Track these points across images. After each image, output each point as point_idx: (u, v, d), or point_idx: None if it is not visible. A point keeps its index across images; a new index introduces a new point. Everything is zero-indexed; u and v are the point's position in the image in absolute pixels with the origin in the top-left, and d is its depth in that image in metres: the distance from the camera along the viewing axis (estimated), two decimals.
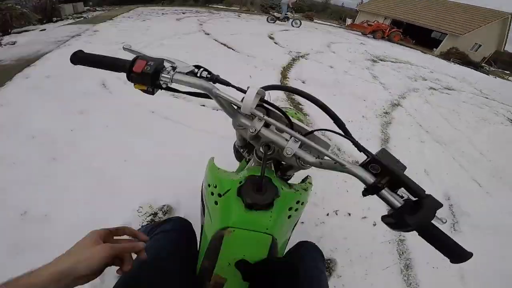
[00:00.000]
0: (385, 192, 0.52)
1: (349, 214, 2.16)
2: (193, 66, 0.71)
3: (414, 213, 0.46)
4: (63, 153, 2.21)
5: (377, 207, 2.26)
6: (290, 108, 1.34)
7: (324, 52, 7.34)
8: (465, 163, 3.54)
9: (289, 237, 0.79)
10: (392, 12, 23.23)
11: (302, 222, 1.98)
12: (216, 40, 6.57)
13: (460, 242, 1.72)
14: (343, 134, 0.68)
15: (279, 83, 4.34)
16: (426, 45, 20.50)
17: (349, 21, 22.64)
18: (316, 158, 0.64)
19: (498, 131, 5.21)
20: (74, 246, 0.51)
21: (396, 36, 16.66)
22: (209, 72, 0.72)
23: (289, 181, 0.90)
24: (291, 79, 4.65)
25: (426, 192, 0.49)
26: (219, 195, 0.67)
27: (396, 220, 0.48)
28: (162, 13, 10.77)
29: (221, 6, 19.77)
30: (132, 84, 0.64)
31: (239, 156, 1.38)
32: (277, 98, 3.75)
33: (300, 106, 3.69)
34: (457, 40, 18.94)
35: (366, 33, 15.93)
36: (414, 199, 0.50)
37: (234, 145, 1.23)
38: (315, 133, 0.73)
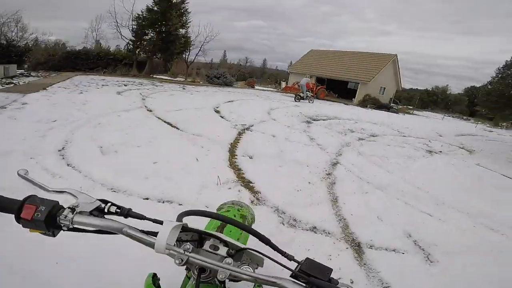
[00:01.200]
0: None
1: None
2: (99, 200, 0.59)
3: None
4: None
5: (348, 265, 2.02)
6: (232, 206, 1.23)
7: (266, 121, 7.46)
8: (409, 200, 3.67)
9: None
10: (314, 70, 24.99)
11: None
12: (159, 118, 6.03)
13: (441, 272, 2.13)
14: (268, 256, 0.62)
15: (227, 162, 4.17)
16: (346, 97, 22.69)
17: (283, 84, 24.54)
18: (250, 276, 0.57)
19: (423, 164, 5.64)
20: None
21: (322, 93, 18.38)
22: (118, 207, 0.60)
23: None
24: (239, 156, 4.49)
25: None
26: None
27: None
28: (102, 85, 9.83)
29: (166, 77, 19.30)
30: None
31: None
32: (227, 180, 3.51)
33: (251, 184, 3.51)
34: (367, 87, 21.02)
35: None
36: None
37: None
38: (248, 249, 0.65)
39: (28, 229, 0.52)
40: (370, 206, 3.35)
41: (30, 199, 0.53)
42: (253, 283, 0.77)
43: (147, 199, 2.81)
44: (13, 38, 16.46)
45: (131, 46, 18.48)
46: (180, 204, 2.76)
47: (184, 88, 12.52)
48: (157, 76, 18.87)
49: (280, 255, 0.61)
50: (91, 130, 4.66)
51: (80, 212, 0.55)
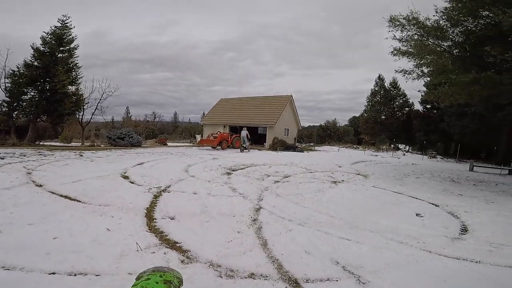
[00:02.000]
0: None
1: None
2: None
3: None
4: None
5: None
6: (153, 272, 1.16)
7: (184, 179, 7.23)
8: (327, 229, 4.10)
9: None
10: (227, 119, 25.82)
11: None
12: (53, 193, 5.13)
13: None
14: None
15: (145, 227, 3.83)
16: (259, 142, 24.49)
17: (198, 137, 24.56)
18: None
19: (331, 194, 6.49)
20: None
21: (237, 142, 19.15)
22: None
23: None
24: (158, 219, 4.19)
25: None
26: None
27: None
28: None
29: (57, 144, 16.48)
30: None
31: None
32: (148, 245, 3.24)
33: (178, 244, 3.35)
34: (274, 130, 22.94)
35: (215, 146, 17.50)
36: None
37: None
38: None
39: None
40: (296, 242, 3.61)
41: None
42: None
43: (53, 273, 2.47)
44: None
45: (6, 109, 15.22)
46: (97, 275, 2.50)
47: (81, 155, 10.86)
48: (45, 143, 16.03)
49: None
50: None
51: None
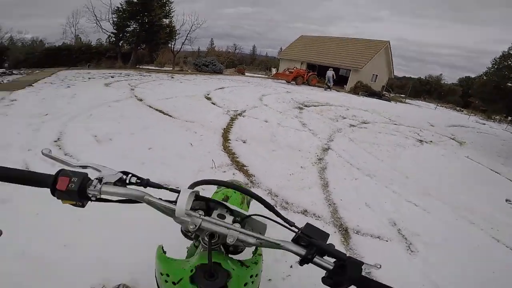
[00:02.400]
0: (317, 260, 0.56)
1: None
2: (121, 172, 0.65)
3: (344, 273, 0.52)
4: None
5: None
6: (231, 183, 1.31)
7: (258, 107, 7.51)
8: (397, 189, 3.79)
9: None
10: (305, 56, 24.95)
11: (270, 279, 1.87)
12: (150, 107, 6.03)
13: (420, 262, 2.23)
14: (272, 219, 0.69)
15: (221, 147, 4.21)
16: (337, 83, 22.76)
17: (274, 70, 24.32)
18: (256, 240, 0.63)
19: (413, 152, 5.80)
20: None
21: (313, 80, 18.38)
22: (138, 178, 0.67)
23: (241, 256, 0.89)
24: (232, 140, 4.55)
25: (347, 255, 0.56)
26: (174, 283, 0.65)
27: (332, 280, 0.54)
28: (89, 77, 9.63)
29: (153, 67, 18.94)
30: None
31: (187, 237, 1.29)
32: (221, 164, 3.58)
33: (245, 168, 3.59)
34: (359, 74, 21.03)
35: (289, 80, 17.19)
36: (340, 262, 0.55)
37: (181, 229, 1.14)
38: (253, 216, 0.73)
39: (61, 200, 0.57)
40: (359, 192, 3.47)
41: (63, 172, 0.57)
42: (255, 249, 0.85)
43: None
44: None
45: (113, 39, 18.01)
46: (177, 187, 2.83)
47: (172, 77, 12.29)
48: (144, 67, 18.50)
49: (282, 221, 0.65)
50: (84, 121, 4.64)
51: (106, 183, 0.61)
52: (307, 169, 3.91)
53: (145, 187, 0.67)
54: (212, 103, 7.36)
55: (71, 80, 8.90)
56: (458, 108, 27.31)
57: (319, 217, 2.76)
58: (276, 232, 0.75)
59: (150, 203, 0.63)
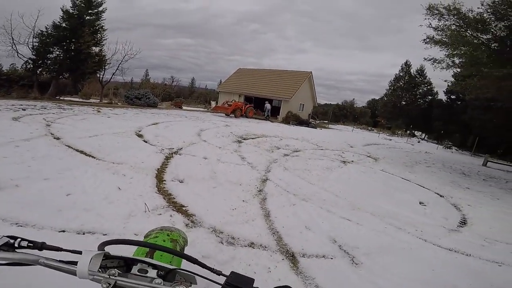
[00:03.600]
0: None
1: None
2: (6, 236, 0.58)
3: None
4: None
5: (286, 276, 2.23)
6: (161, 231, 1.24)
7: (196, 143, 7.39)
8: (330, 208, 4.20)
9: None
10: (243, 89, 25.79)
11: None
12: (69, 147, 5.27)
13: (366, 272, 2.66)
14: (197, 274, 0.66)
15: (155, 189, 4.05)
16: (272, 114, 24.20)
17: (213, 104, 24.62)
18: None
19: (339, 173, 6.55)
20: None
21: (251, 112, 19.27)
22: (30, 241, 0.59)
23: None
24: (168, 181, 4.34)
25: None
26: None
27: None
28: None
29: (76, 99, 17.07)
30: None
31: None
32: (156, 207, 3.38)
33: (184, 208, 3.49)
34: (289, 104, 22.73)
35: (228, 113, 17.58)
36: None
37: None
38: (177, 270, 0.68)
39: None
40: (298, 216, 3.73)
41: None
42: None
43: (63, 231, 2.53)
44: None
45: (31, 65, 15.93)
46: (104, 234, 2.59)
47: (99, 111, 11.09)
48: (65, 98, 16.43)
49: (209, 271, 0.65)
50: None
51: None
52: (249, 202, 4.02)
53: (40, 250, 0.60)
54: (144, 140, 6.81)
55: None
56: (369, 128, 31.94)
57: (265, 247, 2.84)
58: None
59: (48, 266, 0.58)
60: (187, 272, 0.68)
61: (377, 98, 48.89)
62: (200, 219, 3.26)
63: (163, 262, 0.68)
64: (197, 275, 0.66)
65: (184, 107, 22.95)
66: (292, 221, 3.56)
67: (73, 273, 0.57)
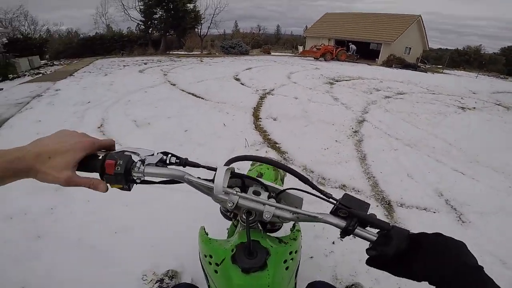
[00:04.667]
0: (358, 231, 0.54)
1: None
2: (161, 153, 0.65)
3: (389, 243, 0.49)
4: None
5: None
6: (265, 158, 1.33)
7: (286, 85, 7.35)
8: (440, 157, 3.54)
9: (295, 283, 0.77)
10: (333, 32, 24.05)
11: (312, 257, 1.80)
12: (183, 91, 6.14)
13: (474, 232, 2.22)
14: (309, 192, 0.66)
15: (252, 125, 4.21)
16: (368, 58, 21.46)
17: (300, 48, 23.48)
18: (293, 214, 0.62)
19: (455, 119, 5.37)
20: (54, 137, 0.51)
21: (343, 55, 17.52)
22: (177, 157, 0.67)
23: (279, 233, 0.90)
24: (263, 118, 4.51)
25: (391, 224, 0.52)
26: (217, 264, 0.67)
27: (377, 251, 0.51)
28: (124, 65, 10.02)
29: (182, 53, 19.14)
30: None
31: (227, 218, 1.34)
32: (254, 143, 3.56)
33: (277, 145, 3.55)
34: (391, 48, 19.87)
35: (317, 57, 16.52)
36: (384, 231, 0.52)
37: (220, 210, 1.16)
38: (289, 190, 0.71)
39: (109, 184, 0.57)
40: (400, 163, 3.26)
41: (109, 156, 0.57)
42: (293, 225, 0.84)
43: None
44: (27, 31, 17.43)
45: (143, 26, 18.58)
46: (214, 166, 2.89)
47: (201, 61, 12.48)
48: (174, 52, 18.81)
49: (318, 193, 0.63)
50: (123, 107, 4.86)
51: (148, 164, 0.60)
52: (343, 142, 3.75)
53: (184, 166, 0.67)
54: (241, 83, 7.35)
55: (107, 68, 9.33)
56: (502, 76, 24.43)
57: (358, 191, 2.63)
58: (314, 208, 0.72)
59: (190, 182, 0.64)
60: (297, 193, 0.69)
61: None
62: (292, 156, 3.24)
63: (275, 184, 0.71)
64: (308, 192, 0.66)
65: (272, 53, 22.86)
66: (392, 167, 3.13)
67: (209, 189, 0.62)
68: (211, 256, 0.70)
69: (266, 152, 3.34)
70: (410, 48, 22.36)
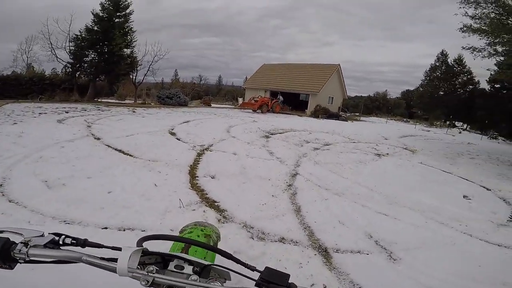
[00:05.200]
0: None
1: None
2: (52, 234, 0.60)
3: None
4: None
5: (319, 271, 2.20)
6: (195, 226, 1.29)
7: (225, 139, 7.53)
8: (365, 202, 4.00)
9: None
10: (268, 84, 25.93)
11: None
12: (109, 146, 5.58)
13: (406, 268, 2.51)
14: (232, 270, 0.65)
15: (188, 185, 4.17)
16: (299, 108, 23.78)
17: (240, 100, 24.77)
18: (220, 286, 0.60)
19: (373, 166, 6.24)
20: None
21: (277, 107, 19.21)
22: (74, 238, 0.62)
23: None
24: (200, 177, 4.45)
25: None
26: None
27: None
28: (40, 113, 8.71)
29: (113, 101, 18.13)
30: None
31: None
32: (190, 203, 3.46)
33: (216, 203, 3.54)
34: (317, 98, 22.27)
35: (255, 109, 17.70)
36: None
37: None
38: (212, 266, 0.68)
39: None
40: (331, 211, 3.59)
41: None
42: None
43: (105, 228, 2.68)
44: None
45: (70, 69, 17.03)
46: (142, 230, 2.68)
47: (134, 111, 11.74)
48: (103, 100, 17.62)
49: (243, 266, 0.64)
50: (32, 164, 4.20)
51: (34, 246, 0.56)
52: (279, 197, 3.97)
53: (82, 247, 0.62)
54: (177, 138, 7.10)
55: (19, 115, 7.99)
56: (405, 120, 30.02)
57: (296, 242, 2.78)
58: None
59: (90, 263, 0.59)
60: (222, 268, 0.67)
61: (411, 89, 46.14)
62: (232, 214, 3.28)
63: (197, 257, 0.68)
64: (232, 270, 0.65)
65: (212, 105, 23.43)
66: (324, 216, 3.44)
67: (114, 270, 0.58)
68: None
69: (204, 211, 3.29)
70: (333, 98, 25.12)
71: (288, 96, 23.31)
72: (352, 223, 3.32)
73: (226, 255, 0.67)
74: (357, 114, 27.49)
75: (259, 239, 2.80)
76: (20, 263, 0.56)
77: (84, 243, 0.62)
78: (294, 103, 24.29)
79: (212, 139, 7.35)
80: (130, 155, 5.20)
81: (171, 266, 0.66)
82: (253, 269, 0.63)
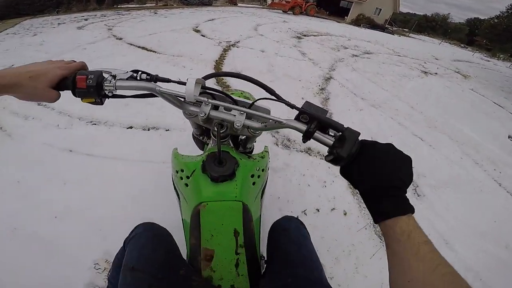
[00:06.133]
0: (317, 134, 0.57)
1: (318, 210, 1.88)
2: (131, 71, 0.67)
3: (343, 146, 0.52)
4: None
5: (341, 195, 2.07)
6: (236, 91, 1.34)
7: (253, 37, 6.86)
8: (402, 120, 3.61)
9: (261, 207, 0.79)
10: None
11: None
12: (131, 44, 5.28)
13: (427, 207, 2.25)
14: (275, 99, 0.69)
15: (214, 79, 3.82)
16: (338, 15, 21.21)
17: (269, 0, 22.31)
18: (261, 124, 0.67)
19: (418, 83, 5.53)
20: (33, 64, 0.58)
21: (312, 10, 17.03)
22: (148, 74, 0.68)
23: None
24: None
25: (346, 126, 0.55)
26: (187, 177, 0.68)
27: (333, 155, 0.53)
28: (58, 23, 8.28)
29: (133, 5, 16.54)
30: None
31: (199, 144, 1.40)
32: (214, 82, 3.35)
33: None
34: (362, 7, 19.90)
35: (286, 10, 15.92)
36: (339, 134, 0.55)
37: (193, 135, 1.26)
38: (256, 103, 0.74)
39: (82, 99, 0.62)
40: (365, 124, 3.26)
41: (79, 72, 0.61)
42: (263, 149, 0.89)
43: (131, 127, 2.55)
44: None
45: None
46: (167, 130, 2.56)
47: (156, 13, 10.95)
48: (122, 6, 15.91)
49: (284, 104, 0.65)
50: None
51: (120, 79, 0.64)
52: (309, 100, 3.63)
53: (155, 81, 0.68)
54: (202, 35, 6.58)
55: (37, 28, 7.54)
56: (462, 45, 26.06)
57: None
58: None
59: (161, 94, 0.66)
60: (264, 103, 0.72)
61: (482, 18, 38.47)
62: (260, 93, 3.03)
63: (243, 98, 0.75)
64: (274, 99, 0.69)
65: (239, 4, 21.28)
66: (356, 127, 3.07)
67: (182, 96, 0.64)
68: (182, 171, 0.71)
69: (233, 93, 3.08)
70: (381, 9, 22.51)
71: (326, 0, 20.50)
72: (385, 140, 2.98)
73: (270, 91, 0.72)
74: (406, 30, 24.06)
75: (284, 146, 2.56)
76: (108, 96, 0.65)
77: (156, 78, 0.69)
78: (333, 8, 21.43)
79: (239, 36, 6.71)
80: (154, 51, 4.89)
81: (221, 109, 0.72)
82: (293, 106, 0.62)
